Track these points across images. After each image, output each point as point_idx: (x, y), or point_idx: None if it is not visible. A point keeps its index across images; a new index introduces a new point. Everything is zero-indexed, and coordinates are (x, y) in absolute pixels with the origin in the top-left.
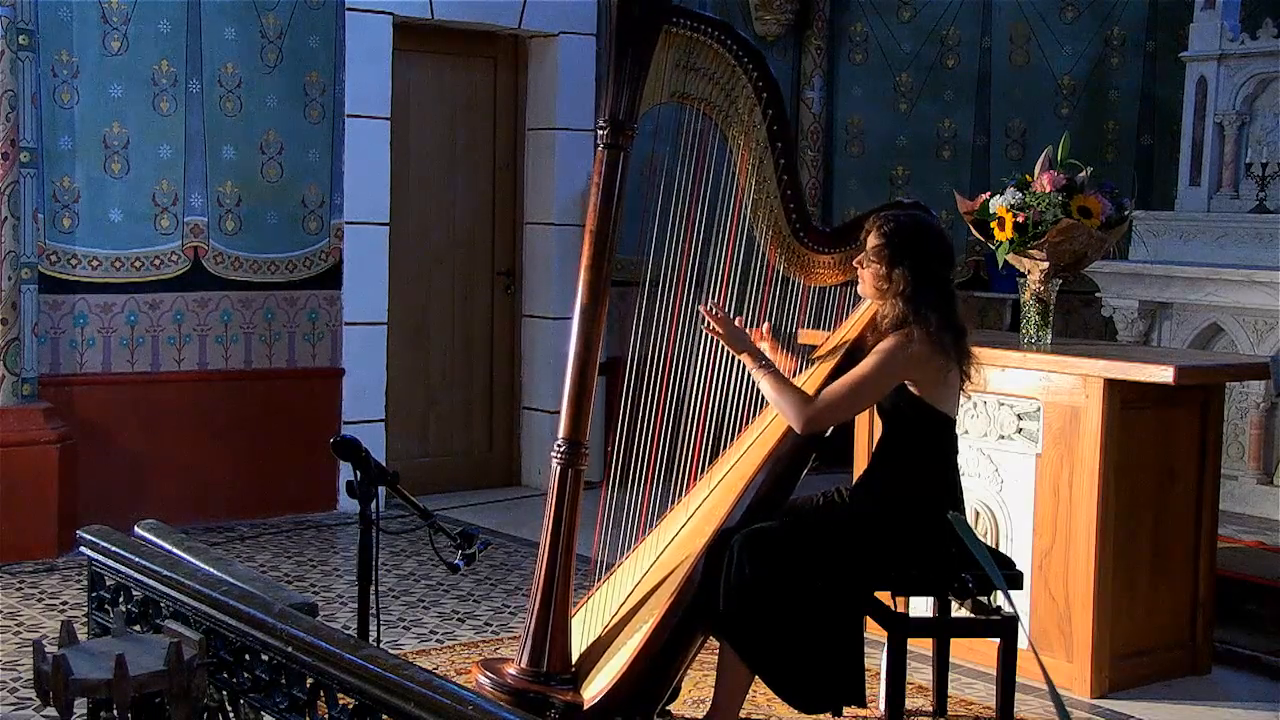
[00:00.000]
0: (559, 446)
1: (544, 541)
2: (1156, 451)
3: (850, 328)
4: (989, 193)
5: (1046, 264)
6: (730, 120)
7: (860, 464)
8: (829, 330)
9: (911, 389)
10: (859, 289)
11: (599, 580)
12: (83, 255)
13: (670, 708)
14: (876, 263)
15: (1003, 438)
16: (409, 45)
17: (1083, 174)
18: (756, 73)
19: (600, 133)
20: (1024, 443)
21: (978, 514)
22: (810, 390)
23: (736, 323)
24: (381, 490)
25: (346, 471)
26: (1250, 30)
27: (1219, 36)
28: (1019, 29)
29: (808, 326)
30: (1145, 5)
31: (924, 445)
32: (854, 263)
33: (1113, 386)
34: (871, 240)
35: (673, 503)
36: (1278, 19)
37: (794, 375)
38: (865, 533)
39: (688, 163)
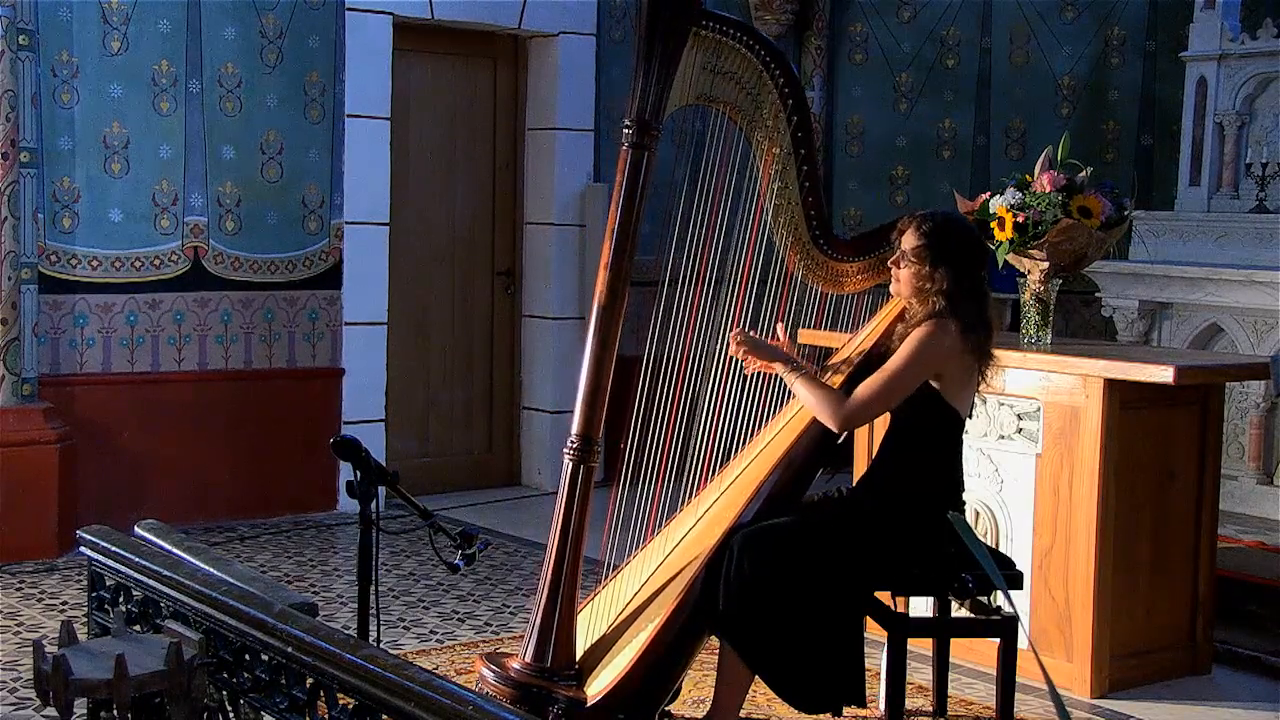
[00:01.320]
0: (572, 443)
1: (553, 537)
2: (1156, 451)
3: (870, 333)
4: (989, 193)
5: (1046, 264)
6: (755, 125)
7: (861, 465)
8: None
9: (933, 383)
10: (892, 288)
11: (605, 579)
12: (83, 255)
13: (670, 708)
14: (916, 262)
15: (1003, 438)
16: (409, 45)
17: (1083, 174)
18: (782, 78)
19: (625, 132)
20: (1024, 443)
21: (978, 514)
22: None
23: (751, 333)
24: (381, 490)
25: (346, 471)
26: (1250, 30)
27: (1219, 36)
28: (1019, 29)
29: (824, 332)
30: (1145, 5)
31: (933, 441)
32: (889, 263)
33: (1113, 386)
34: (910, 240)
35: (683, 504)
36: (1278, 19)
37: None
38: (866, 530)
39: (710, 165)
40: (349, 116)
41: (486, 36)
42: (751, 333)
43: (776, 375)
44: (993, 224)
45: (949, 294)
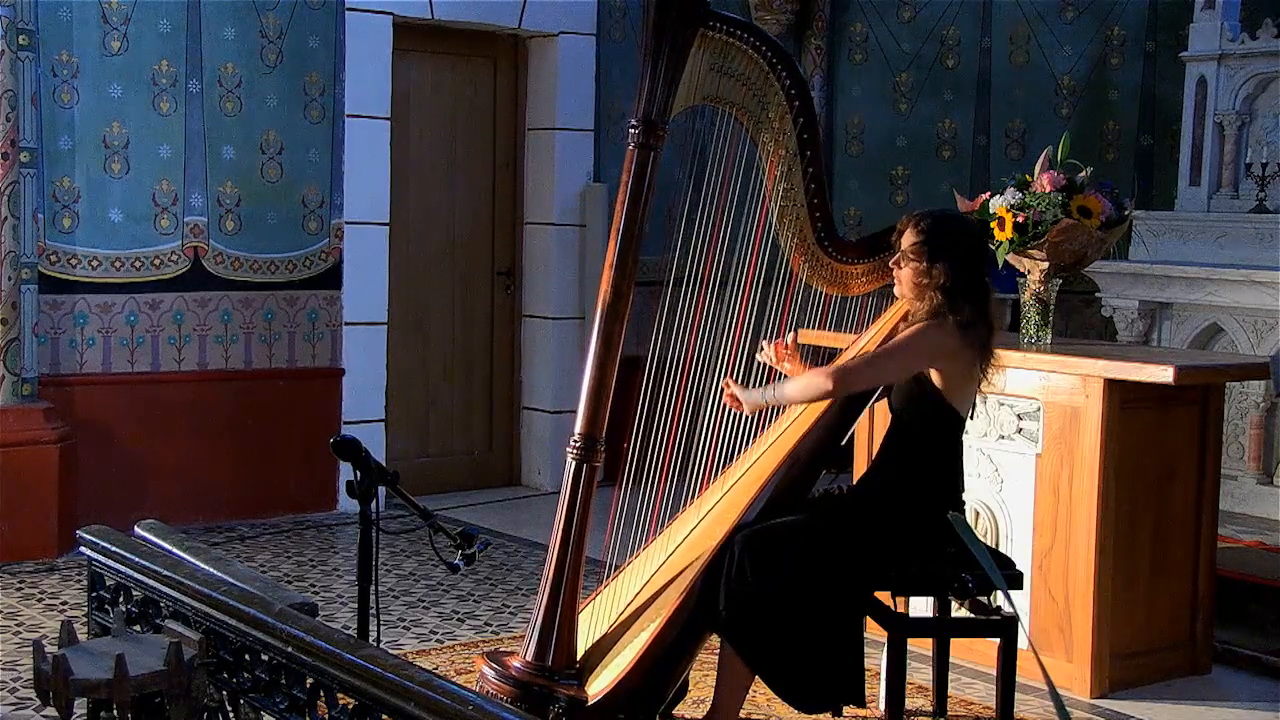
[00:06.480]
0: (575, 442)
1: (555, 536)
2: (1156, 451)
3: (874, 335)
4: (989, 193)
5: (1046, 264)
6: (761, 126)
7: (860, 466)
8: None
9: (934, 380)
10: (895, 290)
11: (607, 579)
12: (83, 255)
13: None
14: (915, 259)
15: (1003, 438)
16: (409, 45)
17: (1083, 174)
18: (789, 79)
19: (632, 132)
20: (1024, 443)
21: (978, 514)
22: None
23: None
24: (381, 490)
25: (346, 471)
26: (1250, 30)
27: (1219, 36)
28: (1019, 29)
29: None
30: (1145, 5)
31: (933, 442)
32: (890, 264)
33: (1113, 386)
34: (909, 238)
35: (685, 504)
36: (1278, 19)
37: None
38: (866, 530)
39: (715, 166)
40: (349, 116)
41: (486, 36)
42: (732, 383)
43: (780, 372)
44: (993, 224)
45: (947, 290)
